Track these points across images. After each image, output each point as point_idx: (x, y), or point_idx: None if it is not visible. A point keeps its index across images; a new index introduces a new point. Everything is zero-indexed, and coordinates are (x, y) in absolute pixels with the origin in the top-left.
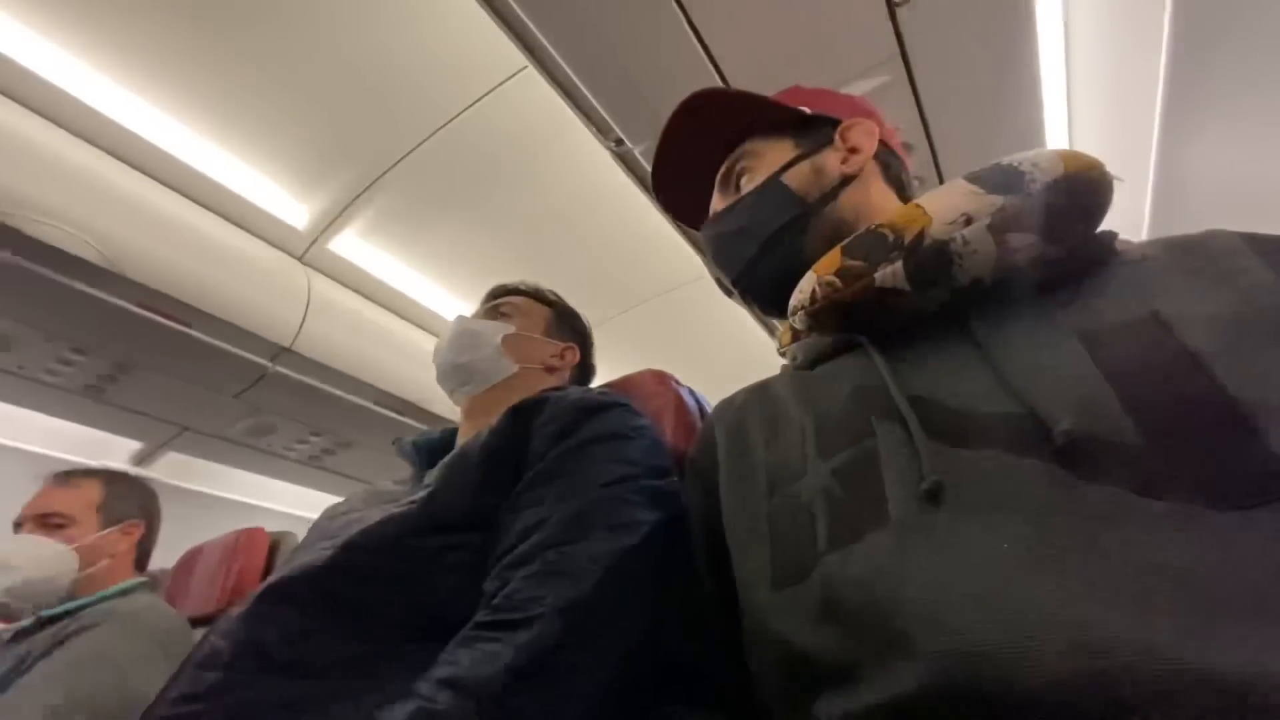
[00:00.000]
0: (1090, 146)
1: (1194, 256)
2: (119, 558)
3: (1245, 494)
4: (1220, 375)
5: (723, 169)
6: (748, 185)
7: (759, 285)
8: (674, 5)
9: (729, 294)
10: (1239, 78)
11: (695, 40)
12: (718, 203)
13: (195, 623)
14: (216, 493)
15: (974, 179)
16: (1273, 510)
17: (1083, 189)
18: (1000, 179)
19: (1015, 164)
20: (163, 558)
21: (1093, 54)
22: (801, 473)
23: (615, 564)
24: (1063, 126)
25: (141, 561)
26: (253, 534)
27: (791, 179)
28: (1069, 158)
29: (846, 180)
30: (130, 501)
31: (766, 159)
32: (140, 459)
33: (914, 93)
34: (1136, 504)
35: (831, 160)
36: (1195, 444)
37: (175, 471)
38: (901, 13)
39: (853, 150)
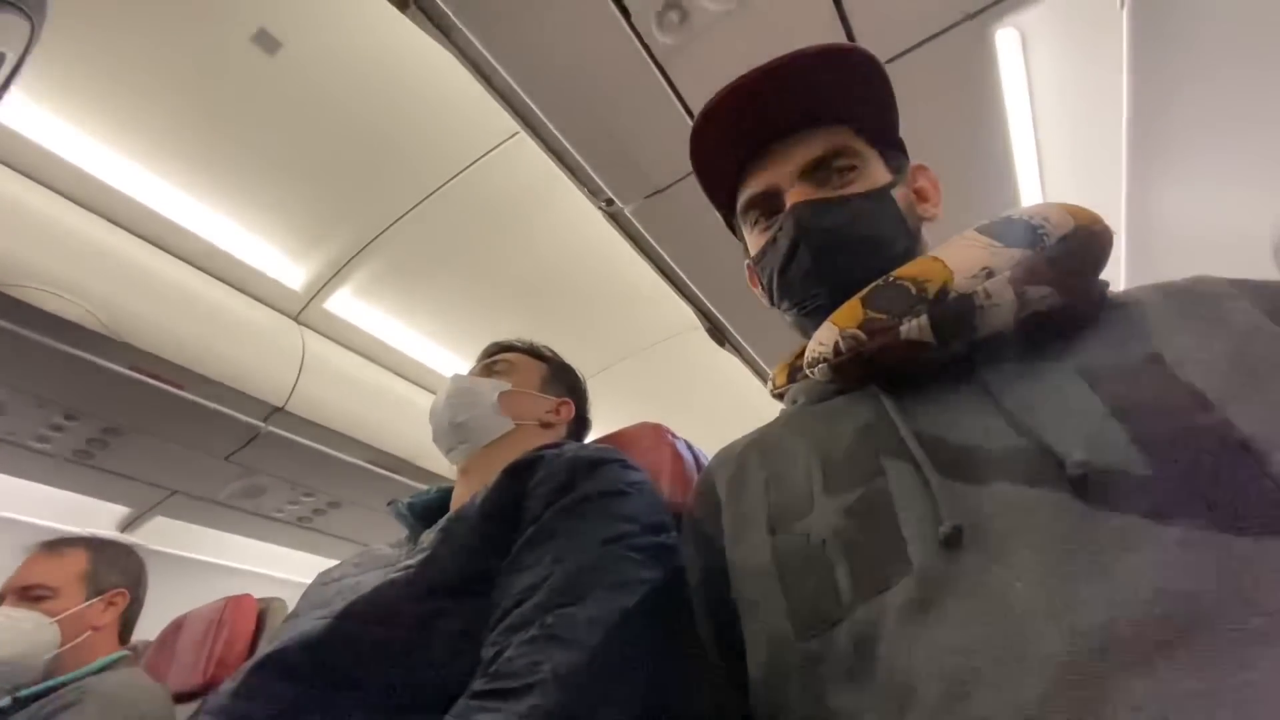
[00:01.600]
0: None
1: (1185, 300)
2: (103, 630)
3: (1259, 520)
4: (1223, 410)
5: (817, 152)
6: (852, 187)
7: (842, 298)
8: (659, 75)
9: (721, 343)
10: (1195, 138)
11: (681, 108)
12: (807, 190)
13: (180, 698)
14: (203, 557)
15: (987, 232)
16: None
17: (1091, 242)
18: (1016, 233)
19: (1027, 218)
20: (146, 627)
21: (1059, 121)
22: (807, 510)
23: (615, 626)
24: (1036, 187)
25: (125, 632)
26: (239, 601)
27: (900, 201)
28: (1076, 212)
29: (921, 223)
30: (116, 570)
31: (869, 167)
32: (126, 524)
33: None
34: (1150, 529)
35: (911, 196)
36: (1204, 473)
37: (161, 536)
38: None
39: (919, 194)
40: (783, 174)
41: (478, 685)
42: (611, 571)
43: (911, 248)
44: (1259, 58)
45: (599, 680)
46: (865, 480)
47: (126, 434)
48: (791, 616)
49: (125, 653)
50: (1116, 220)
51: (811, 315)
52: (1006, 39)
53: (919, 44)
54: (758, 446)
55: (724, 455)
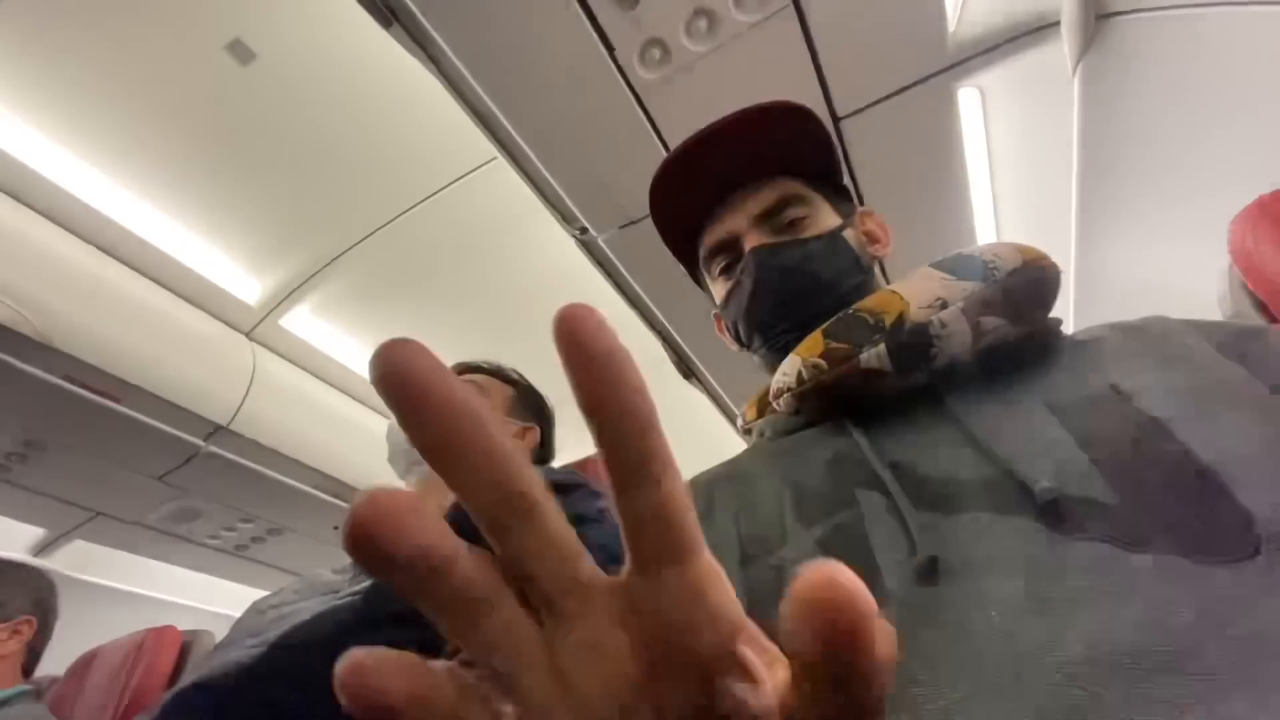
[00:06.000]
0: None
1: (1140, 337)
2: (5, 661)
3: (1227, 549)
4: (1184, 439)
5: (770, 201)
6: (806, 231)
7: (807, 332)
8: (639, 109)
9: (687, 377)
10: (1140, 197)
11: (658, 141)
12: (763, 235)
13: None
14: (126, 587)
15: (941, 266)
16: (1256, 564)
17: (1040, 276)
18: (967, 267)
19: (977, 254)
20: (57, 662)
21: (1014, 174)
22: (781, 542)
23: None
24: (991, 234)
25: (30, 665)
26: (162, 633)
27: (851, 241)
28: (1024, 250)
29: (874, 261)
30: (23, 596)
31: (820, 213)
32: (41, 547)
33: (859, 198)
34: (1121, 557)
35: (862, 237)
36: (1170, 502)
37: (79, 562)
38: (845, 125)
39: (868, 235)
40: (739, 222)
41: None
42: None
43: (866, 282)
44: (1199, 127)
45: None
46: (838, 511)
47: (50, 449)
48: None
49: (27, 687)
50: (1066, 270)
51: (782, 351)
52: (968, 97)
53: (888, 96)
54: (727, 478)
55: (691, 485)
